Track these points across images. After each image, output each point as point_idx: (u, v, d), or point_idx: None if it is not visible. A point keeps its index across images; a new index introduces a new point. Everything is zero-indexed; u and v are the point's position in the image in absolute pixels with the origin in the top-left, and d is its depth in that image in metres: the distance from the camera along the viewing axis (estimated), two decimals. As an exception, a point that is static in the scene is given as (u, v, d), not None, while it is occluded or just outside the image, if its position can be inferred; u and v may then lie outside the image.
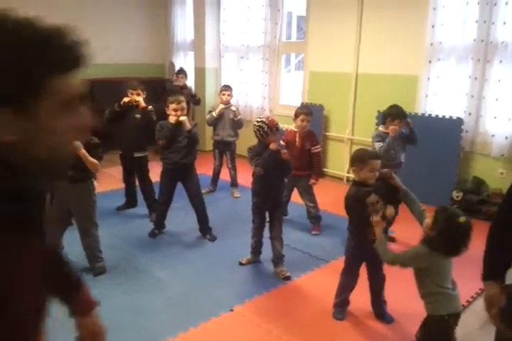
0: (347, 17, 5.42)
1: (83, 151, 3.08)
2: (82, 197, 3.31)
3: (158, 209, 4.20)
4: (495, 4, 4.19)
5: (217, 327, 2.81)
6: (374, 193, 2.52)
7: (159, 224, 4.16)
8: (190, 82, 7.26)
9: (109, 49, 6.70)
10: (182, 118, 3.84)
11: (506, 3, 4.16)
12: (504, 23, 4.20)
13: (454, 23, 4.54)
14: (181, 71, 6.78)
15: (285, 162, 3.36)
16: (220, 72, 7.15)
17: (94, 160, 3.17)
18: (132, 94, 4.29)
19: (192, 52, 7.39)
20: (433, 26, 4.62)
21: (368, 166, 2.64)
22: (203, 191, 4.95)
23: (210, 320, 2.86)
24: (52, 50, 0.74)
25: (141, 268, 3.52)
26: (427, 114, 4.83)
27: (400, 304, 2.96)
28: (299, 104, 5.87)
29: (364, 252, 2.71)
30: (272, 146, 3.30)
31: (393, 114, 3.75)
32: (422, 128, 4.04)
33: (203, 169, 5.43)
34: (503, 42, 4.25)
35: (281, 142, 4.17)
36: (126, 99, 4.25)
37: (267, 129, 3.30)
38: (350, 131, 5.72)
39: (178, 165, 3.95)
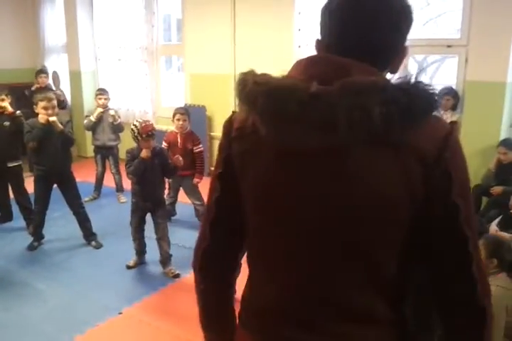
0: (221, 19, 5.60)
1: None
2: None
3: (35, 219, 3.99)
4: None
5: (106, 331, 2.78)
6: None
7: (37, 234, 3.95)
8: (65, 85, 6.95)
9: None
10: (52, 118, 3.65)
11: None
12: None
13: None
14: (41, 71, 6.35)
15: (166, 165, 3.40)
16: (97, 75, 6.93)
17: None
18: None
19: (66, 55, 7.08)
20: (299, 30, 4.96)
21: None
22: (86, 199, 4.81)
23: (97, 326, 2.82)
24: None
25: (20, 283, 3.35)
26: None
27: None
28: (181, 104, 5.95)
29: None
30: (143, 154, 3.32)
31: None
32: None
33: (85, 176, 5.26)
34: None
35: (164, 143, 4.21)
36: None
37: (137, 134, 3.32)
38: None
39: (52, 170, 3.78)
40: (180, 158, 3.69)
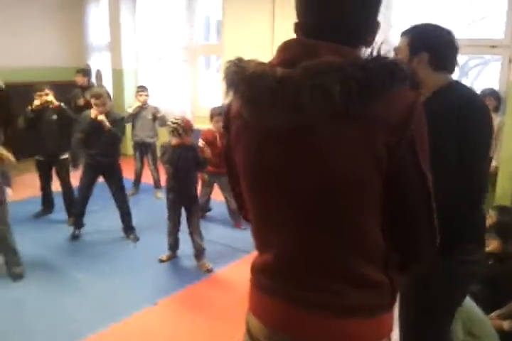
0: (260, 20, 5.64)
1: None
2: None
3: (76, 206, 4.12)
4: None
5: (141, 320, 2.86)
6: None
7: (78, 223, 4.08)
8: (107, 84, 7.16)
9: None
10: (100, 117, 3.81)
11: (402, 9, 4.57)
12: (400, 26, 4.61)
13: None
14: (80, 70, 6.47)
15: (197, 157, 3.48)
16: (138, 73, 7.11)
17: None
18: (41, 95, 4.12)
19: (109, 54, 7.29)
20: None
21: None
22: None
23: (133, 315, 2.90)
24: None
25: (60, 272, 3.48)
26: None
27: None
28: (219, 104, 6.02)
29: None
30: (174, 142, 3.40)
31: None
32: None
33: (125, 173, 5.40)
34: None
35: (201, 141, 4.28)
36: (37, 102, 4.10)
37: (182, 131, 3.39)
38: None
39: (99, 162, 3.93)
40: (206, 148, 3.75)
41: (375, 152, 0.88)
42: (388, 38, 4.64)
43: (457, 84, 1.66)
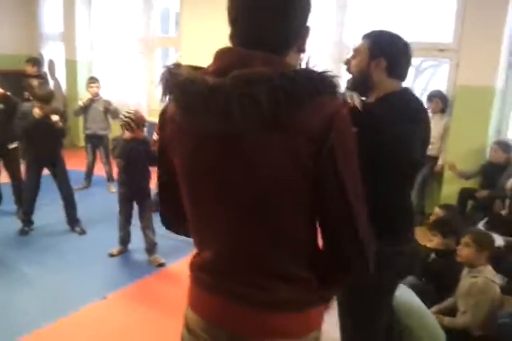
0: (218, 14, 5.62)
1: None
2: None
3: (25, 204, 4.02)
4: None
5: (89, 314, 2.83)
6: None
7: (27, 220, 3.99)
8: (61, 74, 6.96)
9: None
10: (54, 118, 3.74)
11: (356, 9, 4.69)
12: (353, 26, 4.74)
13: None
14: (30, 59, 6.26)
15: (149, 151, 3.44)
16: (92, 65, 6.94)
17: None
18: None
19: (62, 44, 7.08)
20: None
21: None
22: (76, 187, 4.84)
23: (81, 309, 2.86)
24: None
25: (9, 264, 3.41)
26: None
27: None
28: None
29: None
30: (126, 136, 3.40)
31: None
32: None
33: (76, 165, 5.28)
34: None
35: (155, 135, 4.24)
36: None
37: (134, 125, 3.36)
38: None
39: (42, 156, 3.88)
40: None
41: (300, 160, 0.92)
42: (342, 37, 4.77)
43: (406, 91, 1.72)
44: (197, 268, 1.12)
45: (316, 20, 4.95)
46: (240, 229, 1.01)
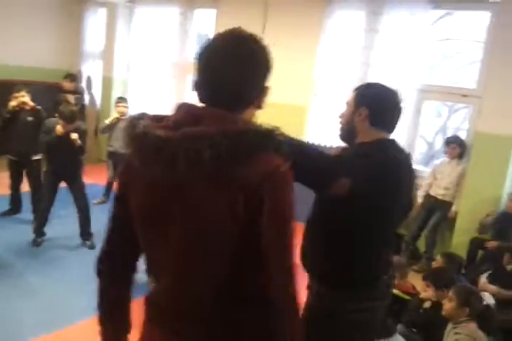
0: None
1: None
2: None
3: (38, 216, 4.19)
4: (372, 48, 4.81)
5: (85, 329, 2.89)
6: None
7: (40, 231, 4.13)
8: (97, 91, 7.28)
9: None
10: (73, 136, 3.93)
11: (382, 49, 4.77)
12: (379, 66, 4.82)
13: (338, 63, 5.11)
14: (68, 75, 6.63)
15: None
16: (127, 83, 7.23)
17: None
18: (17, 97, 4.26)
19: (101, 62, 7.41)
20: (320, 62, 5.16)
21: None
22: (95, 201, 5.01)
23: (79, 323, 2.93)
24: None
25: (13, 273, 3.53)
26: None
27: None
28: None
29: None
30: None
31: None
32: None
33: (99, 179, 5.47)
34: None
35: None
36: (13, 103, 4.23)
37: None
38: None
39: (61, 170, 4.07)
40: None
41: (237, 212, 1.00)
42: (366, 76, 4.85)
43: (385, 141, 1.73)
44: (147, 300, 1.21)
45: (342, 59, 5.08)
46: (179, 269, 1.09)
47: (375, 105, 1.70)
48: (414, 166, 4.76)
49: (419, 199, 4.59)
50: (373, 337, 1.86)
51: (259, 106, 1.14)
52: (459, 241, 4.46)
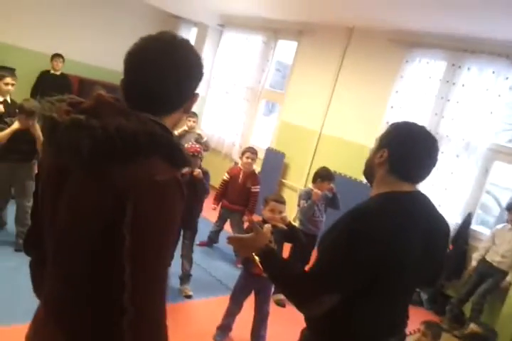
0: (324, 79, 5.91)
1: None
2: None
3: None
4: (448, 100, 4.70)
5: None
6: (273, 235, 2.69)
7: None
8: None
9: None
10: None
11: (457, 102, 4.65)
12: (452, 118, 4.69)
13: (409, 108, 5.03)
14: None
15: (199, 182, 3.52)
16: (205, 100, 7.53)
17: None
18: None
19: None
20: (392, 107, 5.11)
21: (268, 206, 2.96)
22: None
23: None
24: None
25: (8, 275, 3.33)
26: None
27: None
28: (266, 146, 6.38)
29: (250, 283, 3.00)
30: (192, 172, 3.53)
31: (322, 176, 4.05)
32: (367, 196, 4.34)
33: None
34: (447, 136, 4.72)
35: (226, 175, 4.49)
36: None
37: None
38: (304, 183, 6.04)
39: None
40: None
41: (102, 209, 0.95)
42: (437, 126, 4.73)
43: (399, 199, 1.45)
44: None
45: (415, 107, 5.00)
46: (54, 261, 1.08)
47: (398, 147, 1.45)
48: (474, 227, 4.54)
49: (474, 263, 4.34)
50: None
51: (187, 111, 1.14)
52: (510, 312, 4.14)
